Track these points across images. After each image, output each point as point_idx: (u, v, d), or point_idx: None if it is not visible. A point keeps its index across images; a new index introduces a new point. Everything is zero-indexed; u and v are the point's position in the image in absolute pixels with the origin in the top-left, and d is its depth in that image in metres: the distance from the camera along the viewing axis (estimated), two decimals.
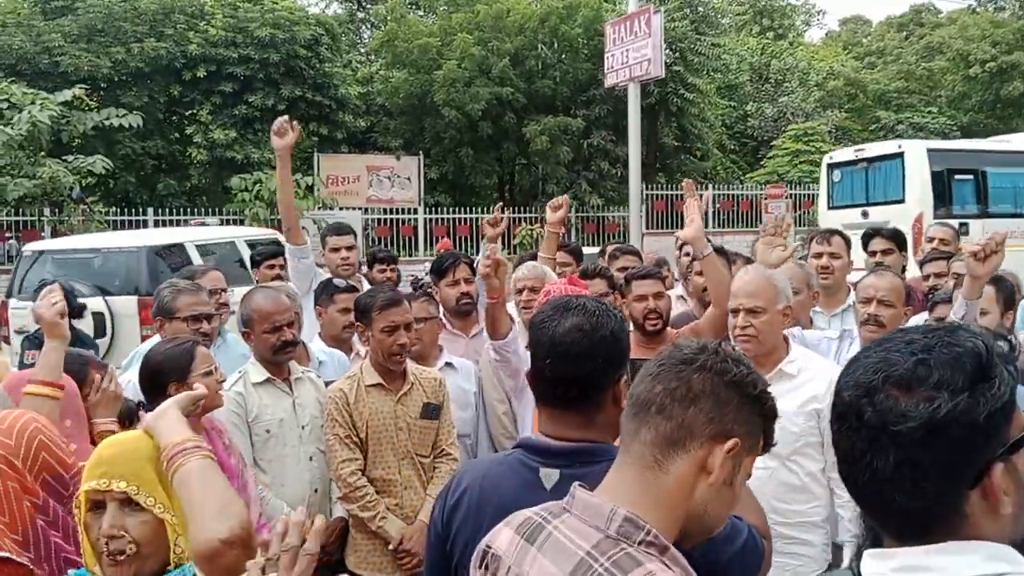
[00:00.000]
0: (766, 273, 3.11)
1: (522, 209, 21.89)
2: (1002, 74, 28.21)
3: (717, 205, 25.10)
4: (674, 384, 1.38)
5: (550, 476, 1.77)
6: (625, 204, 24.53)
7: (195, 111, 21.30)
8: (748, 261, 4.18)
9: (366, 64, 25.90)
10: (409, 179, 23.58)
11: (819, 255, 4.28)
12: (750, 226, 23.34)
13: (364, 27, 30.32)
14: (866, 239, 4.68)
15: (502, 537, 1.52)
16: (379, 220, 22.10)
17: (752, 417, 1.39)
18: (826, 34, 45.33)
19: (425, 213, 22.67)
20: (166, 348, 2.82)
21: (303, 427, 3.35)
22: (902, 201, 12.91)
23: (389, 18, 23.80)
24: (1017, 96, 28.20)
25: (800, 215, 25.60)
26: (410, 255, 20.62)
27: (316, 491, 3.38)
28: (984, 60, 28.34)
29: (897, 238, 4.62)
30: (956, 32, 30.61)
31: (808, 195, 25.71)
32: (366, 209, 22.54)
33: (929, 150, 13.74)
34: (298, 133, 4.43)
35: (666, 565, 1.30)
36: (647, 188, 23.96)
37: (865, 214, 13.29)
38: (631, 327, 3.93)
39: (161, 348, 2.84)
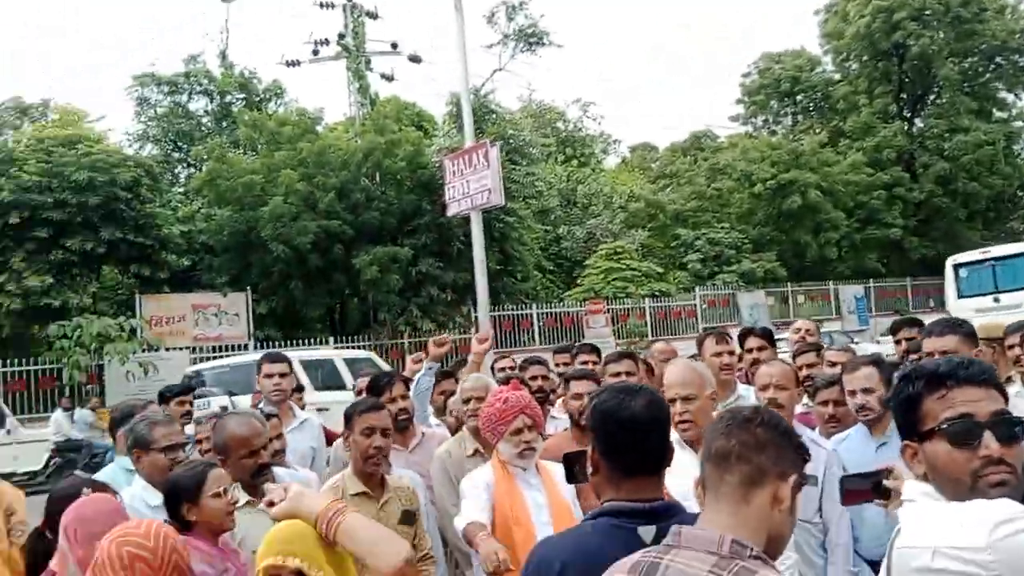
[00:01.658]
0: (692, 364, 3.64)
1: (352, 339, 22.08)
2: (782, 190, 31.32)
3: (541, 323, 26.28)
4: (745, 437, 1.80)
5: (649, 532, 2.06)
6: (454, 327, 25.26)
7: (7, 258, 20.34)
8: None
9: (186, 203, 25.65)
10: (237, 315, 23.28)
11: (719, 354, 4.61)
12: (575, 340, 24.47)
13: (180, 167, 30.11)
14: (742, 337, 5.27)
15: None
16: (208, 358, 21.60)
17: (797, 458, 1.83)
18: (621, 160, 48.74)
19: (256, 348, 22.39)
20: (182, 470, 3.00)
21: None
22: None
23: (209, 158, 23.83)
24: (797, 209, 31.34)
25: (618, 328, 27.17)
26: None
27: None
28: (765, 179, 31.41)
29: (768, 336, 5.24)
30: (739, 154, 33.83)
31: (624, 309, 27.38)
32: (193, 348, 22.02)
33: None
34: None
35: (772, 568, 1.70)
36: (475, 311, 24.84)
37: (997, 299, 17.37)
38: (568, 423, 4.38)
39: (177, 470, 3.02)
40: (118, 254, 21.67)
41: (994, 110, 37.28)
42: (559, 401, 5.58)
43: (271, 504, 2.05)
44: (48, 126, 26.47)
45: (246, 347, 22.35)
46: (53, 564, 2.82)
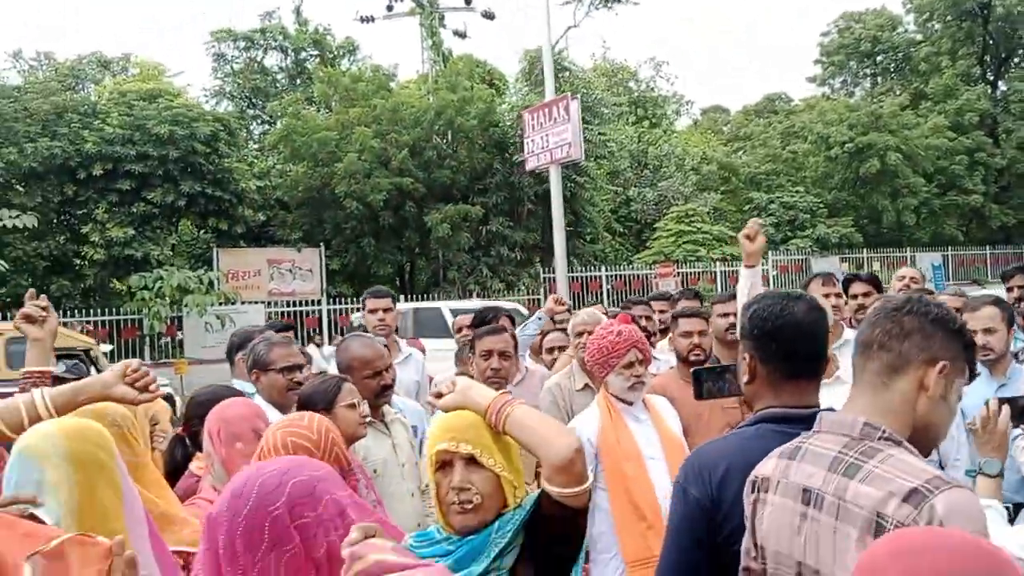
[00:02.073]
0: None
1: (422, 297, 22.26)
2: (859, 154, 30.56)
3: (610, 285, 26.17)
4: (889, 326, 1.82)
5: None
6: (521, 288, 25.31)
7: (91, 209, 20.91)
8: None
9: (262, 159, 26.01)
10: (311, 271, 23.65)
11: (827, 295, 4.39)
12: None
13: (255, 123, 30.51)
14: (847, 283, 5.13)
15: (768, 465, 1.93)
16: (282, 313, 21.96)
17: (954, 346, 1.81)
18: (693, 122, 48.07)
19: (328, 304, 22.72)
20: (317, 382, 3.06)
21: (402, 465, 3.57)
22: None
23: (284, 114, 24.07)
24: (875, 173, 30.55)
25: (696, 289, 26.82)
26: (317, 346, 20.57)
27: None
28: (843, 142, 30.66)
29: (875, 282, 5.07)
30: (816, 117, 33.07)
31: (694, 272, 27.10)
32: (268, 303, 22.43)
33: None
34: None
35: (905, 449, 1.73)
36: (544, 271, 24.85)
37: None
38: (675, 360, 4.36)
39: (312, 382, 3.09)
40: (196, 208, 22.10)
41: None
42: (660, 343, 5.56)
43: (439, 395, 2.08)
44: (130, 80, 27.03)
45: (319, 302, 22.72)
46: (195, 466, 2.87)
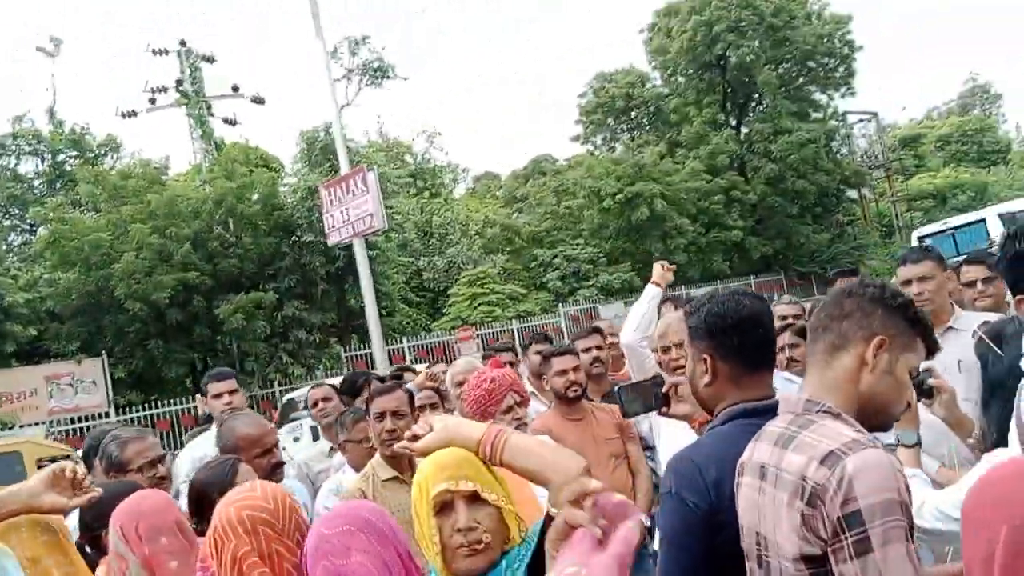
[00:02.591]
0: (680, 315, 3.84)
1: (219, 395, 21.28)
2: (629, 203, 32.38)
3: (413, 355, 26.12)
4: (831, 308, 1.97)
5: None
6: (320, 371, 24.81)
7: None
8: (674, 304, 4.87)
9: (26, 269, 24.17)
10: (94, 382, 22.08)
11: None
12: None
13: (12, 234, 28.38)
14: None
15: (745, 452, 2.06)
16: (66, 432, 20.38)
17: (895, 321, 1.93)
18: (466, 190, 49.29)
19: (117, 415, 21.25)
20: (209, 467, 2.89)
21: None
22: None
23: (49, 219, 22.58)
24: (645, 220, 32.49)
25: (488, 352, 27.21)
26: None
27: None
28: (613, 193, 32.41)
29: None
30: (584, 172, 34.83)
31: (492, 333, 27.57)
32: (50, 422, 20.73)
33: (999, 214, 18.95)
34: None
35: (842, 421, 1.86)
36: (346, 351, 24.47)
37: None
38: (554, 400, 4.49)
39: (205, 468, 2.91)
40: None
41: (811, 111, 39.85)
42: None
43: (415, 438, 1.97)
44: None
45: (107, 415, 21.21)
46: (100, 574, 2.62)
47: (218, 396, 4.94)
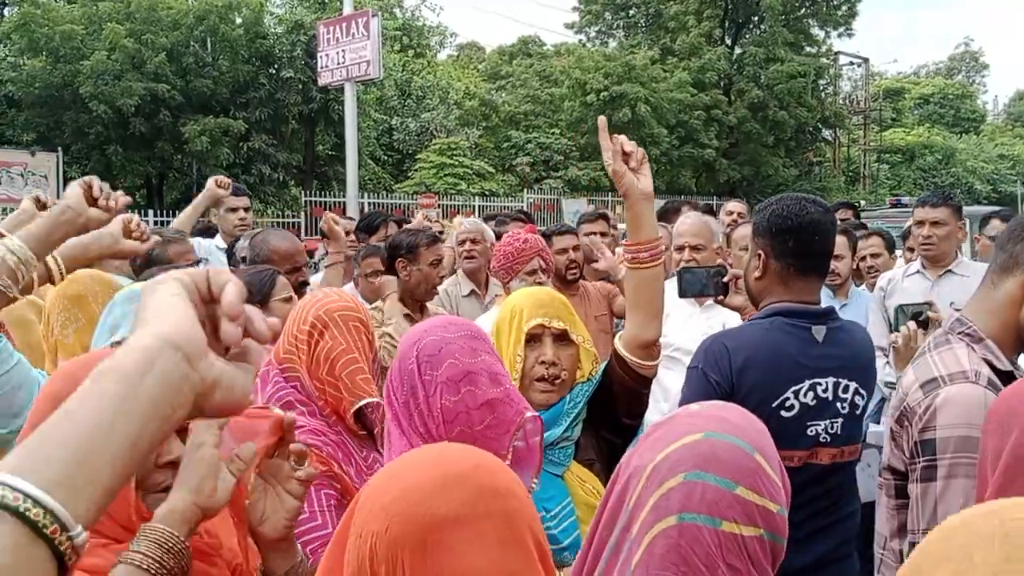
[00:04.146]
0: (704, 217, 3.91)
1: (172, 212, 20.98)
2: (613, 102, 32.09)
3: (370, 212, 25.92)
4: (1013, 231, 1.91)
5: (820, 331, 2.33)
6: (287, 208, 24.54)
7: None
8: (692, 207, 4.95)
9: None
10: (45, 177, 21.49)
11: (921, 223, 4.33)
12: None
13: None
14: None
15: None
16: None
17: None
18: (448, 56, 48.12)
19: None
20: (249, 273, 2.93)
21: None
22: None
23: (22, 0, 21.54)
24: (626, 122, 32.26)
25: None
26: None
27: None
28: (598, 89, 32.04)
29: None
30: (574, 62, 34.25)
31: (454, 205, 27.46)
32: None
33: None
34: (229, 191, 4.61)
35: (969, 347, 1.87)
36: (305, 194, 24.18)
37: None
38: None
39: (244, 273, 2.95)
40: None
41: (806, 45, 39.52)
42: None
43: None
44: None
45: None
46: None
47: (234, 210, 4.92)
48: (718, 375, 2.30)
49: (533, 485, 1.67)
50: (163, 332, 0.75)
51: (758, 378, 2.24)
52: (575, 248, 4.38)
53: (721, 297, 2.95)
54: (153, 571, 1.19)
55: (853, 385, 2.34)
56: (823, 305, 2.46)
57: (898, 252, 5.51)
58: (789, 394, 2.20)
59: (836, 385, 2.32)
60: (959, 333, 1.88)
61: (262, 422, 1.37)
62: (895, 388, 2.69)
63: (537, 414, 1.69)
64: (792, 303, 2.35)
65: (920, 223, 4.17)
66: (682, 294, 3.07)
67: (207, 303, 0.85)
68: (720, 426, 1.11)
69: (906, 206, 6.66)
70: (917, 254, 4.31)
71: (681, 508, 1.06)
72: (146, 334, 0.75)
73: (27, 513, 0.64)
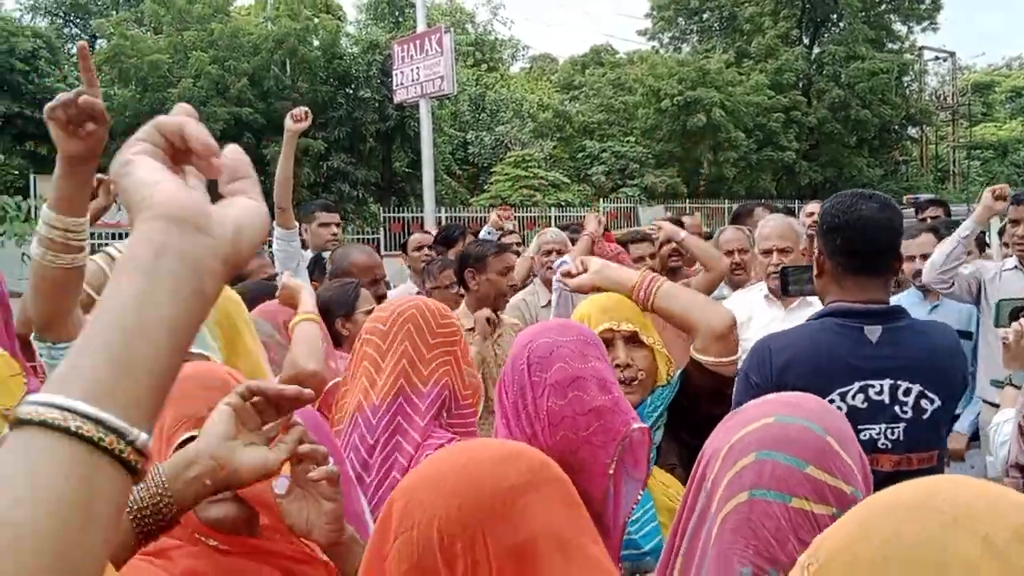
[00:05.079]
0: (789, 219, 3.85)
1: None
2: (687, 108, 31.81)
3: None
4: None
5: (875, 331, 2.22)
6: (366, 224, 24.95)
7: None
8: (773, 210, 4.93)
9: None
10: None
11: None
12: None
13: (72, 43, 28.28)
14: None
15: None
16: (104, 243, 20.74)
17: None
18: (521, 68, 48.42)
19: None
20: (334, 287, 3.06)
21: None
22: None
23: (111, 33, 22.47)
24: (701, 127, 31.96)
25: (526, 234, 27.34)
26: None
27: None
28: (672, 95, 31.79)
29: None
30: (647, 70, 34.08)
31: (530, 217, 27.53)
32: (93, 233, 21.07)
33: None
34: (309, 121, 4.65)
35: None
36: (384, 211, 24.58)
37: None
38: None
39: (330, 287, 3.10)
40: (12, 130, 20.42)
41: (888, 42, 38.58)
42: None
43: (568, 274, 2.08)
44: None
45: None
46: None
47: (326, 225, 5.10)
48: (759, 377, 2.22)
49: (638, 496, 1.65)
50: (158, 210, 0.71)
51: (800, 379, 2.14)
52: (651, 256, 4.37)
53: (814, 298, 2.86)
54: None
55: (916, 388, 2.21)
56: (898, 304, 2.35)
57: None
58: (835, 395, 2.10)
59: (894, 388, 2.21)
60: None
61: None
62: (1001, 385, 2.56)
63: (646, 425, 1.66)
64: (846, 302, 2.27)
65: (1014, 222, 4.05)
66: (786, 292, 3.03)
67: (180, 154, 0.81)
68: (791, 410, 1.13)
69: (924, 206, 6.36)
70: (1013, 251, 4.18)
71: (753, 485, 1.08)
72: (142, 220, 0.71)
73: (79, 431, 0.61)
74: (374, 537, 1.03)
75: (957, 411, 4.11)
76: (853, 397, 2.20)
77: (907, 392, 2.21)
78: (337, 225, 5.18)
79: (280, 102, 22.42)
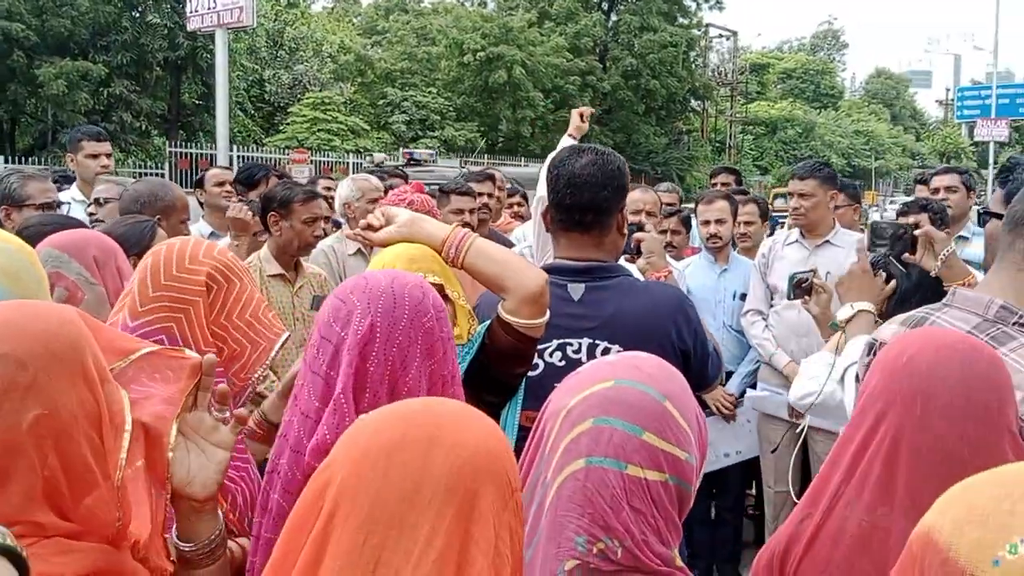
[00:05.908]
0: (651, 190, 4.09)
1: (24, 160, 19.87)
2: (489, 63, 32.07)
3: (240, 165, 25.11)
4: None
5: (577, 289, 2.19)
6: (149, 158, 23.54)
7: None
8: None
9: None
10: None
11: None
12: None
13: None
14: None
15: (887, 330, 1.81)
16: None
17: None
18: (322, 8, 46.85)
19: None
20: (128, 222, 2.75)
21: None
22: None
23: None
24: (501, 84, 32.33)
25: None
26: None
27: None
28: (476, 50, 31.93)
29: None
30: (452, 21, 33.99)
31: (327, 162, 26.89)
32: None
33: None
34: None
35: None
36: (170, 145, 23.25)
37: None
38: None
39: (121, 223, 2.76)
40: None
41: (679, 15, 40.40)
42: None
43: (370, 228, 1.92)
44: None
45: None
46: None
47: (95, 156, 4.63)
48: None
49: None
50: None
51: None
52: (471, 211, 4.23)
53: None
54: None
55: (616, 349, 2.13)
56: (611, 263, 2.31)
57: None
58: (535, 353, 1.98)
59: (592, 347, 2.16)
60: (1015, 324, 1.63)
61: (179, 362, 1.32)
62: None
63: None
64: (560, 259, 2.25)
65: (791, 194, 4.36)
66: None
67: None
68: (631, 374, 1.15)
69: (716, 172, 6.75)
70: (793, 223, 4.50)
71: (589, 452, 1.10)
72: None
73: None
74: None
75: (730, 369, 4.32)
76: (551, 355, 2.17)
77: (606, 352, 2.14)
78: (108, 156, 4.70)
79: (56, 18, 20.67)
